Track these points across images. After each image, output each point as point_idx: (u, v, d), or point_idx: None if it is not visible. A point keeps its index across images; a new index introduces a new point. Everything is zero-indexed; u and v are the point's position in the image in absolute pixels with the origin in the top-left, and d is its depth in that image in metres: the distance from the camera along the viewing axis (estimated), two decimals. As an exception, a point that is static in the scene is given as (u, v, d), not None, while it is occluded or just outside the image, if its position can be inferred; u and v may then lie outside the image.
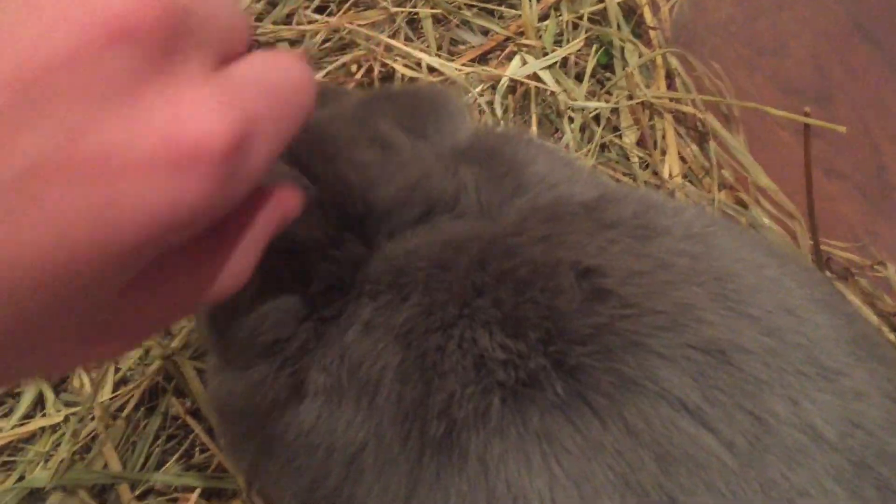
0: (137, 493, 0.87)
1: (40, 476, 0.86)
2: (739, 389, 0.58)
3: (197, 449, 0.93)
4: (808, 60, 1.13)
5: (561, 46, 1.22)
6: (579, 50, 1.22)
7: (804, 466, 0.56)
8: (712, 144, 1.13)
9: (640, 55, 1.21)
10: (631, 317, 0.59)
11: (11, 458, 0.90)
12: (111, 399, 0.93)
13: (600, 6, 1.27)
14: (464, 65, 1.20)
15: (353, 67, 1.20)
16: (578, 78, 1.22)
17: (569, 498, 0.56)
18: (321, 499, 0.69)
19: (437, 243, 0.67)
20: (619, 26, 1.24)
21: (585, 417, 0.57)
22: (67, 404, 0.93)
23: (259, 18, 1.21)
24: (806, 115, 1.02)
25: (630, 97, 1.17)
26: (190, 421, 0.93)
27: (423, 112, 0.76)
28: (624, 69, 1.21)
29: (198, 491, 0.88)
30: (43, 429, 0.91)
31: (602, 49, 1.23)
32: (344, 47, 1.23)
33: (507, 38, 1.24)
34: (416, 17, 1.26)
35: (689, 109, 1.16)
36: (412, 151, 0.71)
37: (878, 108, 1.02)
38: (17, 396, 0.94)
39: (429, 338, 0.62)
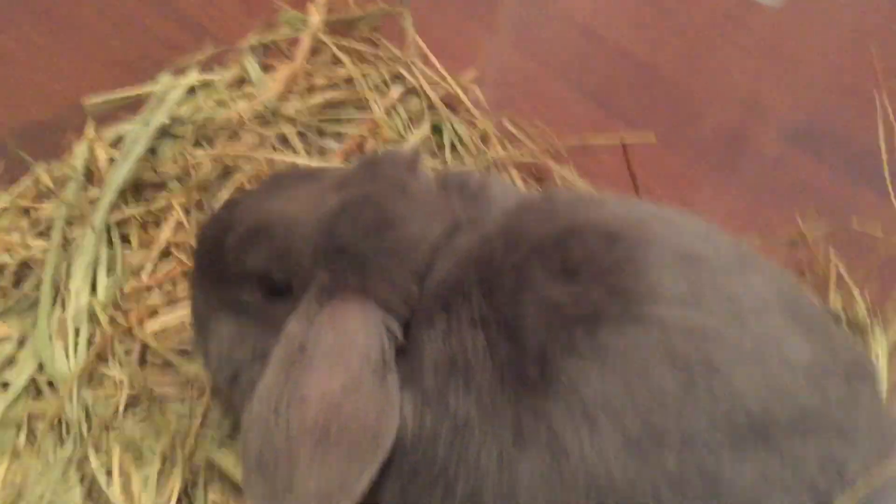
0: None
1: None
2: (712, 281, 0.82)
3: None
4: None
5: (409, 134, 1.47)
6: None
7: (769, 321, 0.81)
8: (556, 179, 1.42)
9: (475, 127, 1.49)
10: (640, 246, 0.82)
11: None
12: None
13: (422, 102, 1.54)
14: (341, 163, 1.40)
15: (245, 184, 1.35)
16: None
17: (638, 391, 0.76)
18: (421, 486, 0.82)
19: (466, 252, 0.87)
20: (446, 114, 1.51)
21: (634, 326, 0.78)
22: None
23: (146, 160, 1.32)
24: (622, 138, 1.34)
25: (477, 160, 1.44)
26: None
27: (409, 164, 0.95)
28: (462, 142, 1.48)
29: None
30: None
31: (443, 130, 1.49)
32: (227, 173, 1.38)
33: (365, 138, 1.46)
34: (283, 135, 1.43)
35: (524, 159, 1.45)
36: (422, 192, 0.90)
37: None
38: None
39: (503, 308, 0.81)
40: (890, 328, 1.12)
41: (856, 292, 1.19)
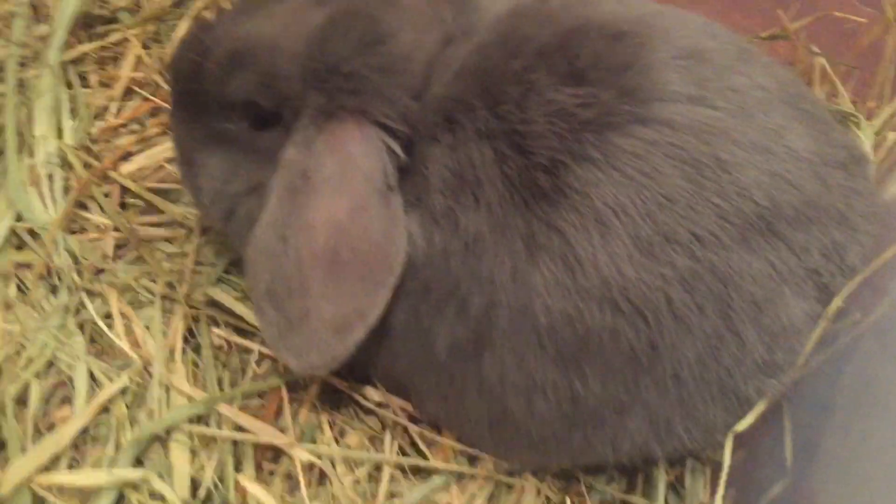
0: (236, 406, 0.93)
1: (146, 428, 0.89)
2: (718, 77, 0.81)
3: (252, 359, 1.00)
4: None
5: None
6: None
7: (772, 113, 0.81)
8: None
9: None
10: (647, 44, 0.79)
11: (95, 434, 0.91)
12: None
13: None
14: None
15: (205, 13, 1.26)
16: None
17: (648, 192, 0.76)
18: (434, 304, 0.82)
19: (464, 62, 0.83)
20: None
21: (643, 127, 0.77)
22: (119, 369, 0.95)
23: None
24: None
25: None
26: (238, 340, 1.00)
27: None
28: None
29: (283, 387, 0.96)
30: (110, 398, 0.92)
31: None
32: (181, 1, 1.28)
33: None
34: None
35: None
36: (411, 2, 0.85)
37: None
38: (62, 387, 0.95)
39: (509, 118, 0.78)
40: (874, 118, 1.12)
41: (839, 84, 1.19)
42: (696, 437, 0.85)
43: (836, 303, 0.82)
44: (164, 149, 1.13)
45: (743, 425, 0.82)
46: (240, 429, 0.91)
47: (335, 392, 0.98)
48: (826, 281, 0.82)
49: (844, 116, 1.11)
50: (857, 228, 0.85)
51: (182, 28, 1.22)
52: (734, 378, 0.81)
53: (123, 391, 0.93)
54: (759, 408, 0.83)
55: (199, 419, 0.92)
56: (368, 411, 0.98)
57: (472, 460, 0.97)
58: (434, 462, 0.95)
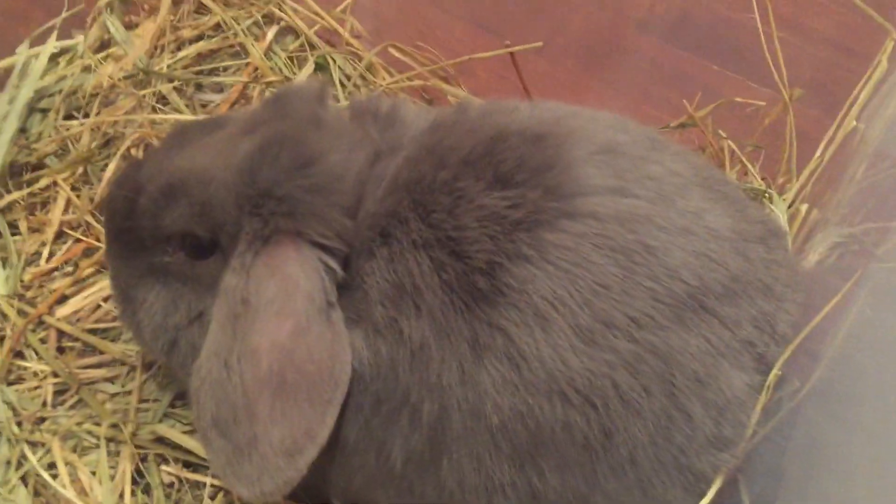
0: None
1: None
2: (634, 167, 0.85)
3: (206, 494, 0.97)
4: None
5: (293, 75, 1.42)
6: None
7: (690, 196, 0.85)
8: (448, 100, 1.42)
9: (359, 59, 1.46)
10: (565, 143, 0.83)
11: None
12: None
13: (300, 41, 1.49)
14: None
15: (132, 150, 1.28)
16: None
17: (583, 282, 0.78)
18: (386, 415, 0.82)
19: (394, 177, 0.86)
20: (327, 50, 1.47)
21: (571, 221, 0.80)
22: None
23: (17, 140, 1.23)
24: (507, 46, 1.34)
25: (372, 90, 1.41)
26: (189, 476, 0.98)
27: (317, 97, 0.92)
28: (347, 76, 1.45)
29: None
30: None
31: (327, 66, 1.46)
32: (109, 141, 1.30)
33: (247, 84, 1.41)
34: (160, 95, 1.36)
35: (414, 83, 1.43)
36: (337, 123, 0.88)
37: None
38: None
39: (443, 226, 0.81)
40: (785, 192, 1.19)
41: (749, 164, 1.25)
42: (658, 520, 0.85)
43: (775, 372, 0.85)
44: (100, 288, 1.12)
45: None
46: (198, 568, 0.89)
47: (294, 517, 0.96)
48: (762, 351, 0.85)
49: (757, 193, 1.17)
50: (783, 298, 0.88)
51: (111, 168, 1.23)
52: (688, 456, 0.82)
53: (73, 542, 0.90)
54: (717, 484, 0.83)
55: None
56: (330, 533, 0.96)
57: (440, 572, 0.94)
58: (402, 579, 0.92)
